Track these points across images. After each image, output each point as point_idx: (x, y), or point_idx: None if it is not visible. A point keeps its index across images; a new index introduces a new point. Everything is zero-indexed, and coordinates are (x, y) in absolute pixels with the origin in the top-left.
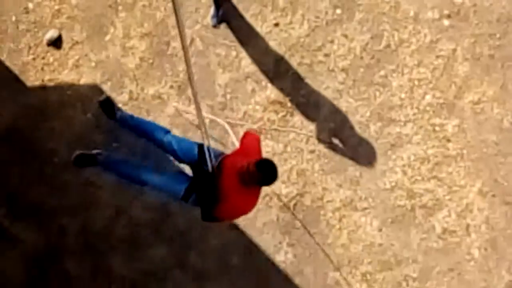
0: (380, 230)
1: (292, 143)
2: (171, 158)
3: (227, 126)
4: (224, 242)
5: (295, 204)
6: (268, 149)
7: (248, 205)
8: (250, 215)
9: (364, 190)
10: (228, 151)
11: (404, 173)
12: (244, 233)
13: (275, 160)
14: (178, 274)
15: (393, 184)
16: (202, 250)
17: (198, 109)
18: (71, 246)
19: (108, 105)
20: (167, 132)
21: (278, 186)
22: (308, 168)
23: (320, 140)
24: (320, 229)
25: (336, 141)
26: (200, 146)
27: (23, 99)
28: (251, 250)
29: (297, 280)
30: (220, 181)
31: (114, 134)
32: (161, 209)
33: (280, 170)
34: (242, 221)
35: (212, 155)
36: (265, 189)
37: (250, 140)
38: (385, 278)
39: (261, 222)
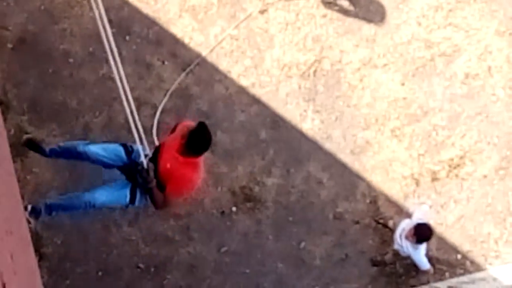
0: (402, 84)
1: (303, 11)
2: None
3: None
4: (250, 118)
5: (314, 71)
6: (280, 20)
7: (194, 174)
8: (273, 87)
9: (381, 46)
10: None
11: (419, 24)
12: (268, 106)
13: (289, 29)
14: (207, 155)
15: (409, 36)
16: (228, 128)
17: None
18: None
19: (34, 144)
20: (88, 144)
21: (295, 55)
22: (323, 33)
23: (330, 3)
24: (343, 92)
25: (346, 2)
26: (125, 146)
27: (30, 6)
28: (278, 122)
29: (327, 145)
30: (160, 164)
31: (125, 27)
32: (182, 95)
33: (295, 39)
34: (264, 94)
35: (140, 152)
36: (283, 60)
37: (184, 125)
38: (414, 130)
39: (284, 93)
